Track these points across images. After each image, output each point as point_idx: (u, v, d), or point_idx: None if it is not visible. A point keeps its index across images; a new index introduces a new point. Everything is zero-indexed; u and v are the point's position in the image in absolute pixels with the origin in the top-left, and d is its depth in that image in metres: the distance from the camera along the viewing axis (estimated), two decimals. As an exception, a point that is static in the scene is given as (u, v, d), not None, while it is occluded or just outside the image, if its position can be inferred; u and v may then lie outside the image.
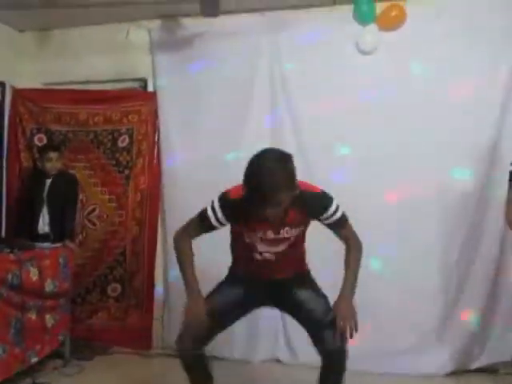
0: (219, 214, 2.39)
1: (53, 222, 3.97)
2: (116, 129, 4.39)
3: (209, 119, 4.21)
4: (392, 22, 3.91)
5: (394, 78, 3.92)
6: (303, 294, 2.54)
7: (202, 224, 2.45)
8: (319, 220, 2.45)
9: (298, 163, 3.95)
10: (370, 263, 3.79)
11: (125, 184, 4.35)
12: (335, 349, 2.40)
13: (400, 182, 3.90)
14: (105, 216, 4.38)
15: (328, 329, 2.40)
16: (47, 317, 3.60)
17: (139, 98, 4.40)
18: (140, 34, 4.39)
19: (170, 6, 4.13)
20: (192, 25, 4.28)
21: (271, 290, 2.57)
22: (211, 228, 2.44)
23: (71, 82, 4.55)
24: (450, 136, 3.78)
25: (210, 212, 2.41)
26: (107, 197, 4.38)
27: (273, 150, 2.27)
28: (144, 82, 4.50)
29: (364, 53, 3.98)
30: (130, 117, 4.37)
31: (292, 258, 2.56)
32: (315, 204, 2.39)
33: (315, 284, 2.64)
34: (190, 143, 4.26)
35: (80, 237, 4.36)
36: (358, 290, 2.71)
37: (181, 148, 4.28)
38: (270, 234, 2.41)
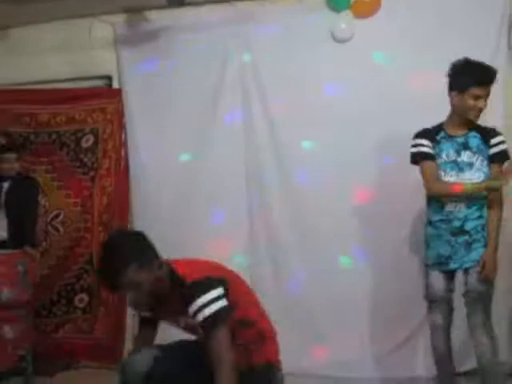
0: None
1: (11, 228, 3.70)
2: (80, 129, 4.17)
3: (178, 116, 4.01)
4: (367, 8, 3.75)
5: (366, 68, 3.73)
6: None
7: None
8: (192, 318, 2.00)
9: (271, 159, 3.88)
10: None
11: (90, 186, 4.11)
12: None
13: (371, 180, 3.70)
14: (69, 221, 4.13)
15: None
16: (5, 328, 3.34)
17: (104, 96, 4.18)
18: (103, 29, 4.18)
19: (135, -1, 3.95)
20: (158, 18, 4.09)
21: None
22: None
23: (31, 83, 4.31)
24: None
25: None
26: (72, 200, 4.13)
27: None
28: (109, 79, 4.28)
29: (339, 41, 3.81)
30: (94, 116, 4.15)
31: None
32: (185, 291, 1.98)
33: None
34: (158, 142, 4.05)
35: (44, 244, 4.10)
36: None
37: (149, 147, 4.06)
38: (173, 322, 2.18)
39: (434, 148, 2.82)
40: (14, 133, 4.18)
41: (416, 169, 2.90)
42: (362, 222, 3.69)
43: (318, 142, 3.80)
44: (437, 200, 2.83)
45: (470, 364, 3.46)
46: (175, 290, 2.00)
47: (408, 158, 2.92)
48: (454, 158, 2.79)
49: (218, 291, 1.96)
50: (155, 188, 4.00)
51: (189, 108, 3.97)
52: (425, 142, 2.84)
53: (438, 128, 2.87)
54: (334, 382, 3.47)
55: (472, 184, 2.72)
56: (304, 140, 3.83)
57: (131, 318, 4.01)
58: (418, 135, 2.88)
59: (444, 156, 2.81)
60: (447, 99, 2.84)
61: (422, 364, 3.56)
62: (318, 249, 3.73)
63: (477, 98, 2.72)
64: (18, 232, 3.70)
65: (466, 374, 3.46)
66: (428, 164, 2.82)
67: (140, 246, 2.01)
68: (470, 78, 2.72)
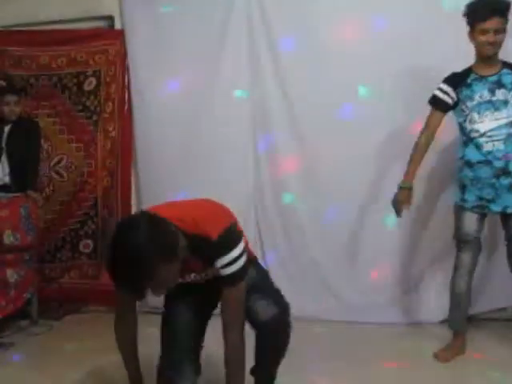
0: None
1: (13, 172, 3.63)
2: (81, 71, 4.03)
3: (182, 56, 3.86)
4: None
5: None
6: None
7: None
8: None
9: (281, 106, 3.72)
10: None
11: (93, 131, 4.01)
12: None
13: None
14: (73, 166, 4.05)
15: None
16: (9, 272, 3.29)
17: (106, 37, 4.02)
18: (105, -34, 4.02)
19: None
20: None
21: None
22: None
23: (29, 24, 4.14)
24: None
25: None
26: (74, 145, 4.04)
27: (123, 243, 1.71)
28: (111, 20, 4.09)
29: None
30: (96, 58, 4.01)
31: None
32: (213, 246, 1.90)
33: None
34: (162, 84, 3.91)
35: (47, 190, 4.04)
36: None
37: (152, 90, 3.93)
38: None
39: (460, 94, 2.81)
40: (14, 75, 4.05)
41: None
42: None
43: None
44: (473, 140, 2.79)
45: (478, 308, 3.47)
46: (195, 251, 1.92)
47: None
48: (488, 98, 2.77)
49: (241, 246, 1.95)
50: (159, 132, 3.89)
51: (193, 48, 3.81)
52: (446, 88, 2.85)
53: (468, 71, 2.84)
54: (343, 326, 3.45)
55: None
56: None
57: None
58: (445, 80, 2.88)
59: (477, 97, 2.78)
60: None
61: (431, 309, 3.53)
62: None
63: (485, 32, 2.70)
64: (21, 176, 3.63)
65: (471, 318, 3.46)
66: (433, 114, 2.89)
67: (160, 242, 1.72)
68: (474, 13, 2.72)
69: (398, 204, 2.90)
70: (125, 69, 3.98)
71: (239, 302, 1.98)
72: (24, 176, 3.63)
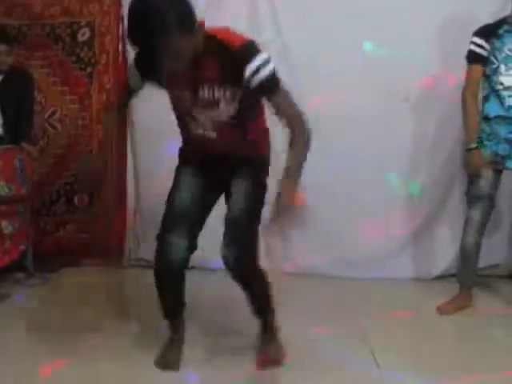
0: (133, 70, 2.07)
1: (6, 124, 3.56)
2: (75, 21, 3.92)
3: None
4: None
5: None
6: (236, 187, 2.14)
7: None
8: (246, 85, 1.88)
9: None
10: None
11: (88, 83, 3.93)
12: (229, 267, 2.08)
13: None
14: (67, 119, 3.98)
15: (226, 239, 2.07)
16: (3, 223, 3.27)
17: (100, -14, 3.92)
18: None
19: None
20: None
21: (218, 168, 2.18)
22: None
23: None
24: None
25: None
26: (68, 97, 3.96)
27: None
28: (106, -33, 4.00)
29: None
30: (90, 7, 3.90)
31: (239, 142, 2.13)
32: (236, 54, 1.84)
33: (260, 175, 2.19)
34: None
35: (41, 142, 3.99)
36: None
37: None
38: (187, 96, 1.98)
39: (492, 45, 2.76)
40: (5, 24, 3.94)
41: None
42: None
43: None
44: (496, 94, 2.76)
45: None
46: (214, 54, 1.86)
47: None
48: None
49: (266, 54, 1.89)
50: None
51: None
52: (479, 40, 2.81)
53: (501, 22, 2.79)
54: (338, 281, 3.48)
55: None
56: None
57: (132, 216, 4.00)
58: (476, 33, 2.83)
59: (506, 50, 2.74)
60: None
61: (426, 266, 3.56)
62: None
63: None
64: (14, 128, 3.57)
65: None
66: (472, 69, 2.85)
67: (180, 10, 1.70)
68: None
69: (475, 167, 2.84)
70: (119, 19, 3.88)
71: (291, 108, 1.93)
72: (18, 128, 3.58)
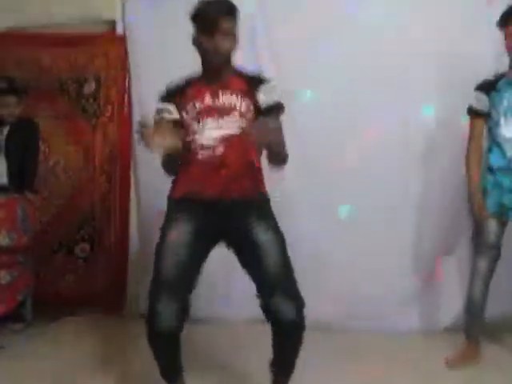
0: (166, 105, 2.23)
1: (11, 173, 3.59)
2: (82, 74, 4.03)
3: (183, 62, 3.82)
4: None
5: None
6: (261, 235, 2.07)
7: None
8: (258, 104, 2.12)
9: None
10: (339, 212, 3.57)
11: (92, 134, 3.99)
12: (288, 321, 2.05)
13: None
14: (70, 169, 4.03)
15: (279, 293, 2.03)
16: (1, 273, 3.28)
17: (107, 41, 4.03)
18: (107, -30, 4.03)
19: None
20: (163, -40, 3.92)
21: (221, 217, 2.09)
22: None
23: (32, 26, 4.14)
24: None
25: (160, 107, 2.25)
26: (72, 148, 4.03)
27: None
28: (112, 24, 4.11)
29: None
30: (96, 61, 4.01)
31: (244, 159, 2.11)
32: (255, 75, 2.21)
33: (274, 217, 2.16)
34: (162, 88, 3.90)
35: (44, 192, 4.01)
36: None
37: (153, 94, 3.89)
38: (209, 100, 2.10)
39: (491, 99, 2.83)
40: (15, 77, 4.03)
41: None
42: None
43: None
44: (498, 145, 2.81)
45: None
46: (236, 71, 2.18)
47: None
48: None
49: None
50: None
51: (195, 53, 3.81)
52: (480, 95, 2.88)
53: (500, 76, 2.87)
54: (342, 335, 3.41)
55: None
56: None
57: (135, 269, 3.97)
58: (477, 87, 2.90)
59: (505, 102, 2.79)
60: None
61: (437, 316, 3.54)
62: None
63: (508, 36, 2.75)
64: (18, 177, 3.60)
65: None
66: (474, 123, 2.92)
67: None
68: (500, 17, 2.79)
69: (479, 218, 2.87)
70: (125, 73, 3.98)
71: (280, 129, 2.13)
72: (22, 177, 3.61)
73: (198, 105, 2.11)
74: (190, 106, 2.13)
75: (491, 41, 3.16)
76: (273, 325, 2.09)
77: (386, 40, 3.52)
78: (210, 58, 2.09)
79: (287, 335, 2.11)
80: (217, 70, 2.12)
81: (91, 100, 4.00)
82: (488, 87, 2.86)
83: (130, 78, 3.98)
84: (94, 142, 4.00)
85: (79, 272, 4.04)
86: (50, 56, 4.06)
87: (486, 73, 2.98)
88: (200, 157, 2.09)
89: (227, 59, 2.12)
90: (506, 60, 2.88)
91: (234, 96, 2.09)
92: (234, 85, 2.11)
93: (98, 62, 4.02)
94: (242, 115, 2.08)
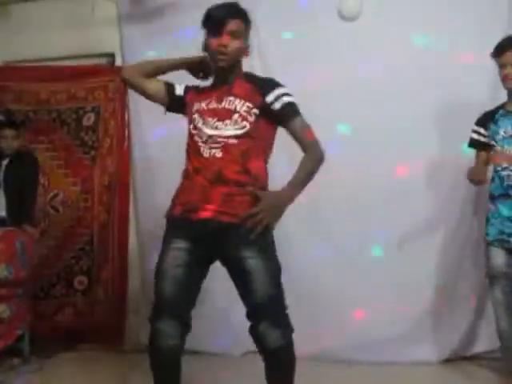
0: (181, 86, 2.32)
1: (10, 206, 3.60)
2: (81, 107, 4.07)
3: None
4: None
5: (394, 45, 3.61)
6: (251, 260, 2.02)
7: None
8: (269, 108, 2.09)
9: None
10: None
11: (91, 166, 4.01)
12: (275, 348, 2.01)
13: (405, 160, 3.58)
14: (69, 201, 4.04)
15: (266, 319, 2.00)
16: (1, 307, 3.23)
17: (106, 74, 4.08)
18: (106, 6, 4.08)
19: (139, -27, 3.86)
20: (161, -5, 3.98)
21: (212, 238, 2.05)
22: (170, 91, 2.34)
23: (33, 60, 4.22)
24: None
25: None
26: (71, 180, 4.04)
27: None
28: (112, 57, 4.17)
29: (346, 19, 3.70)
30: (95, 94, 4.06)
31: (242, 167, 2.07)
32: (264, 80, 2.20)
33: (267, 240, 2.09)
34: (162, 122, 3.86)
35: (42, 224, 4.00)
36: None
37: (152, 127, 3.94)
38: (213, 103, 2.12)
39: (489, 129, 2.91)
40: (14, 110, 4.08)
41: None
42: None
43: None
44: (497, 174, 2.86)
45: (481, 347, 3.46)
46: (246, 75, 2.18)
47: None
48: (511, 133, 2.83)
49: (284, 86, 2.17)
50: (159, 169, 3.88)
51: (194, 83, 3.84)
52: (478, 128, 2.97)
53: (499, 107, 2.94)
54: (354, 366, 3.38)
55: None
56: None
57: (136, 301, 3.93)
58: (477, 121, 2.99)
59: (502, 132, 2.87)
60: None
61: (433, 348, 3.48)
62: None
63: (502, 66, 2.79)
64: (17, 210, 3.59)
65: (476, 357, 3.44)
66: (477, 155, 2.98)
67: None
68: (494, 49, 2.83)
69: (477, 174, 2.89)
70: (124, 105, 4.00)
71: (306, 127, 2.14)
72: (20, 210, 3.60)
73: (203, 105, 2.16)
74: (196, 104, 2.19)
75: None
76: (261, 352, 2.07)
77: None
78: (216, 59, 2.10)
79: (276, 363, 2.08)
80: (224, 71, 2.14)
81: (90, 132, 4.03)
82: (486, 119, 2.94)
83: (129, 111, 4.00)
84: (92, 174, 4.00)
85: (78, 305, 4.00)
86: (49, 89, 4.10)
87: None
88: (198, 164, 2.10)
89: (234, 61, 2.12)
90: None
91: (237, 99, 2.10)
92: (239, 88, 2.12)
93: (97, 95, 4.05)
94: (243, 118, 2.09)
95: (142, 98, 3.88)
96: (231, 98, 2.11)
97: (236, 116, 2.08)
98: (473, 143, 3.00)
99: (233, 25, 2.08)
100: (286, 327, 2.06)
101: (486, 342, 3.44)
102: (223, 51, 2.07)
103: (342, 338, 3.51)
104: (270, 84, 2.14)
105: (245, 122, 2.08)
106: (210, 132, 2.09)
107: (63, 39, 4.15)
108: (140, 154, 3.97)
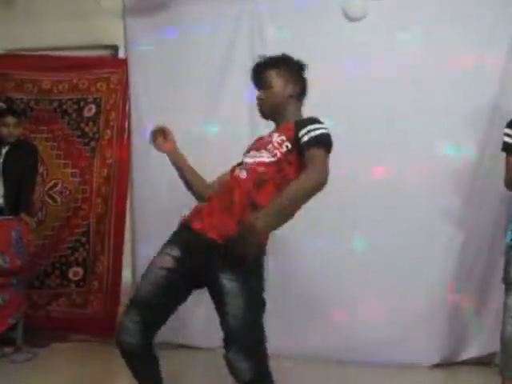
0: None
1: (8, 195, 3.58)
2: (82, 97, 4.05)
3: (183, 90, 3.88)
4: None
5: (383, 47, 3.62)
6: (227, 282, 1.91)
7: None
8: (299, 141, 2.00)
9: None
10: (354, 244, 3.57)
11: (90, 157, 4.00)
12: (244, 381, 1.87)
13: (387, 158, 3.58)
14: (67, 192, 4.01)
15: (236, 349, 1.88)
16: (-6, 295, 3.24)
17: (109, 65, 4.07)
18: (112, -3, 4.08)
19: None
20: (167, -13, 3.97)
21: (195, 254, 1.97)
22: None
23: (36, 49, 4.18)
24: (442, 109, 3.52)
25: None
26: (70, 171, 4.02)
27: None
28: (115, 49, 4.16)
29: (352, 19, 3.70)
30: (98, 85, 4.04)
31: (247, 197, 1.98)
32: (305, 118, 2.14)
33: (250, 266, 1.94)
34: (163, 115, 3.88)
35: (39, 214, 3.99)
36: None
37: (154, 119, 3.89)
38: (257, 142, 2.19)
39: None
40: (15, 99, 4.06)
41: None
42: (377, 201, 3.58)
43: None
44: None
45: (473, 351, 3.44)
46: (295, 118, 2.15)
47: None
48: None
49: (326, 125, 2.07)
50: (158, 161, 3.86)
51: (197, 80, 3.84)
52: (510, 131, 2.85)
53: None
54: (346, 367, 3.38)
55: None
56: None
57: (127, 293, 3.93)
58: (507, 124, 2.89)
59: None
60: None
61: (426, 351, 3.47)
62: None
63: None
64: (15, 198, 3.58)
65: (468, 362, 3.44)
66: (509, 159, 2.85)
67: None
68: None
69: None
70: (126, 98, 4.00)
71: (320, 157, 1.96)
72: (18, 199, 3.59)
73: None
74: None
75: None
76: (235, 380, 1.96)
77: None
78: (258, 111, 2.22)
79: None
80: (272, 120, 2.21)
81: (91, 123, 4.01)
82: None
83: (130, 103, 4.00)
84: (91, 166, 3.99)
85: (72, 295, 3.99)
86: (51, 79, 4.07)
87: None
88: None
89: (273, 108, 2.17)
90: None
91: (276, 133, 2.11)
92: (283, 126, 2.13)
93: (99, 86, 4.04)
94: (275, 147, 2.04)
95: (144, 91, 3.97)
96: (272, 133, 2.13)
97: (270, 146, 2.06)
98: (506, 147, 2.86)
99: (257, 78, 2.19)
100: (257, 360, 1.91)
101: (476, 347, 3.45)
102: (258, 104, 2.19)
103: (328, 339, 3.49)
104: (308, 119, 2.08)
105: (276, 151, 2.04)
106: (246, 160, 2.12)
107: (66, 29, 4.13)
108: (139, 146, 3.94)
